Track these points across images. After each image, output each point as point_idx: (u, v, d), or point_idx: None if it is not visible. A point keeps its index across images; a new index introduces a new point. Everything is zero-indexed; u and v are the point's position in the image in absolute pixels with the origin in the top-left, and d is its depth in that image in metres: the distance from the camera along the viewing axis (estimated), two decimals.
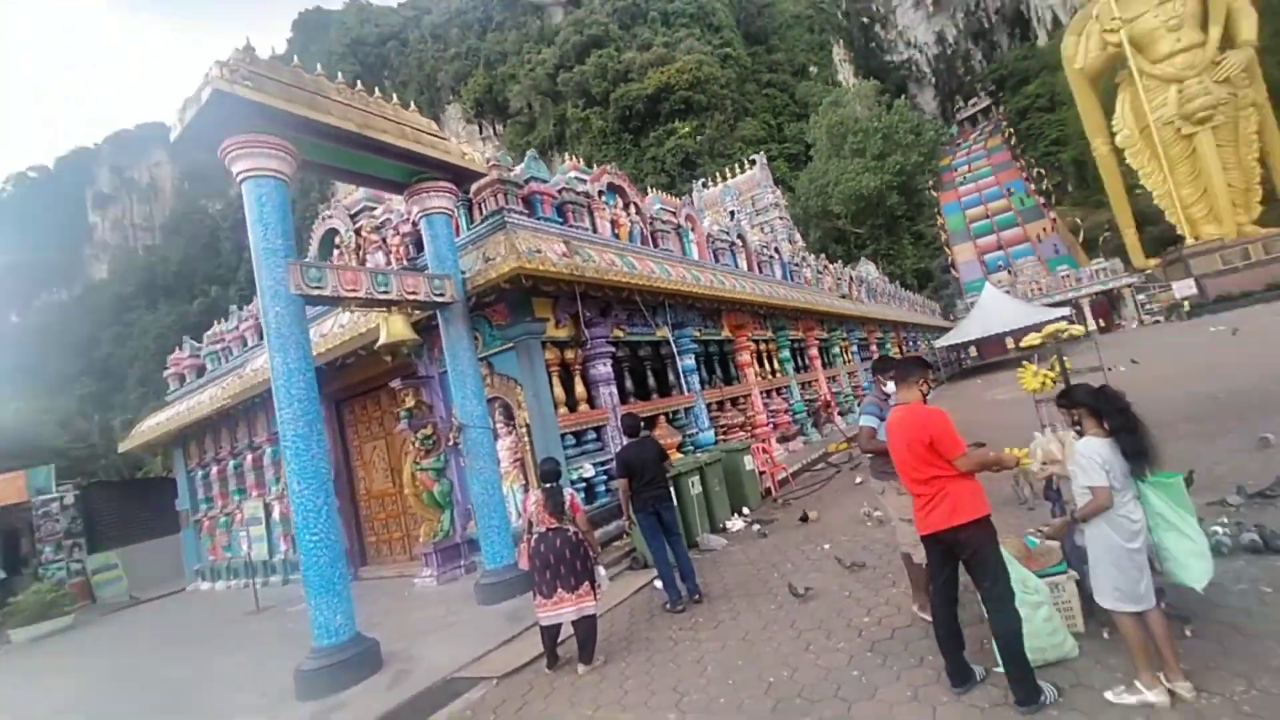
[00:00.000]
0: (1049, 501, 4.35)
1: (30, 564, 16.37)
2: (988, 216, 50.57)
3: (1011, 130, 61.40)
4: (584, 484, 7.73)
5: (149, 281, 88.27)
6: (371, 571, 9.99)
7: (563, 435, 7.72)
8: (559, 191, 8.92)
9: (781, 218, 25.06)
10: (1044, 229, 46.33)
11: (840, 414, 16.10)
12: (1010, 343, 36.54)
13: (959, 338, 26.21)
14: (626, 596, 5.61)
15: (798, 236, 27.59)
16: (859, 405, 4.25)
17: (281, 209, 5.27)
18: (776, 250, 17.12)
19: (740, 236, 14.67)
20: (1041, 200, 49.17)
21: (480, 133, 74.16)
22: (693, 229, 12.54)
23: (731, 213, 20.64)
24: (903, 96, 61.01)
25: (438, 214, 6.85)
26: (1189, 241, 37.86)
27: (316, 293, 5.32)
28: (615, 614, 5.24)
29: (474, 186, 7.98)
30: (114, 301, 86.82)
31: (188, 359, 14.21)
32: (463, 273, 7.06)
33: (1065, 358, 3.25)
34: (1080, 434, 2.95)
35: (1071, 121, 49.74)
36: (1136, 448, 2.69)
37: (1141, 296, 38.27)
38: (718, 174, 31.26)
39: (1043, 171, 52.69)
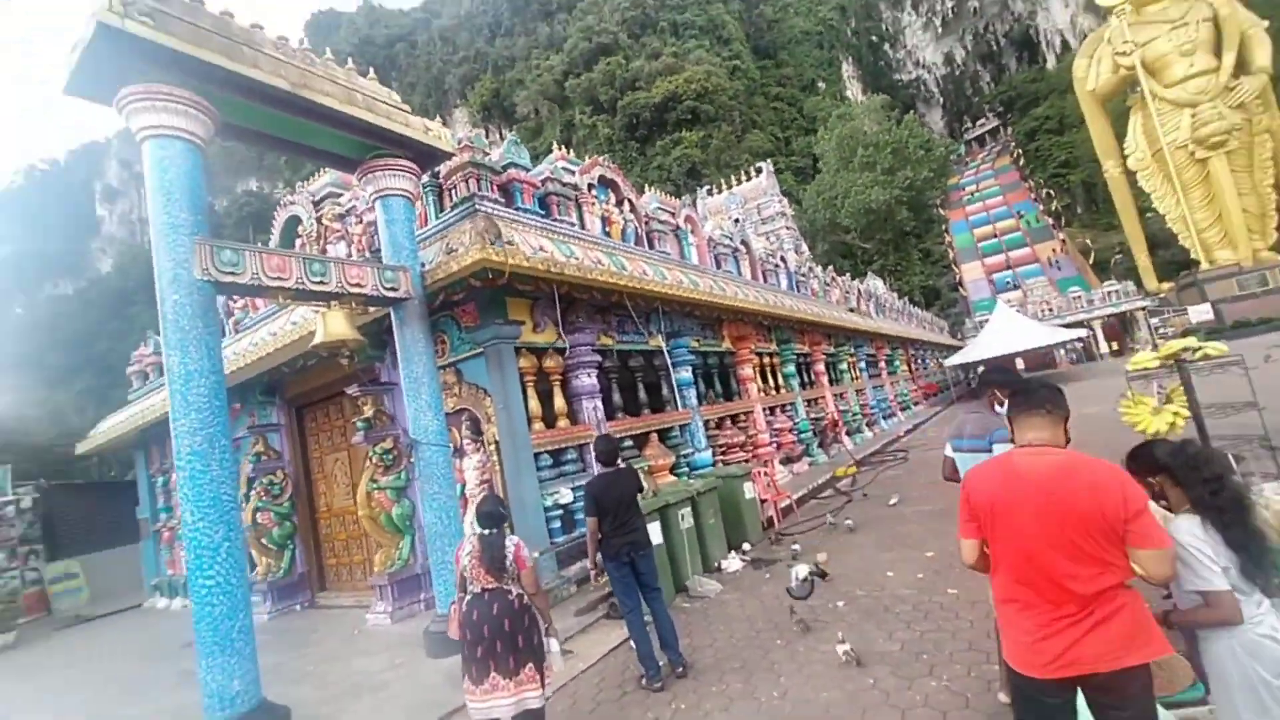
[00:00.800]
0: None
1: None
2: (996, 236, 49.77)
3: (1020, 151, 60.75)
4: (560, 511, 6.76)
5: (151, 277, 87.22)
6: (329, 598, 8.99)
7: (538, 454, 6.77)
8: (543, 181, 8.03)
9: (788, 227, 24.21)
10: (1054, 250, 45.49)
11: (848, 434, 15.11)
12: (1020, 363, 35.72)
13: (972, 356, 25.20)
14: (599, 659, 4.62)
15: (804, 247, 26.73)
16: (955, 435, 3.34)
17: (190, 176, 4.36)
18: (783, 259, 16.23)
19: (744, 242, 13.77)
20: (1051, 221, 48.38)
21: (487, 136, 73.40)
22: (692, 231, 11.65)
23: (735, 219, 19.78)
24: (911, 114, 60.43)
25: (395, 196, 5.95)
26: (1204, 266, 36.83)
27: (230, 279, 4.38)
28: (581, 684, 4.26)
29: (444, 170, 7.10)
30: (117, 296, 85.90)
31: (150, 355, 13.29)
32: (423, 265, 6.14)
33: (1183, 387, 2.28)
34: (1168, 509, 2.07)
35: (1081, 144, 48.99)
36: (1240, 541, 1.80)
37: (1155, 320, 37.28)
38: (722, 182, 30.48)
39: (1052, 193, 51.90)
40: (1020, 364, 36.02)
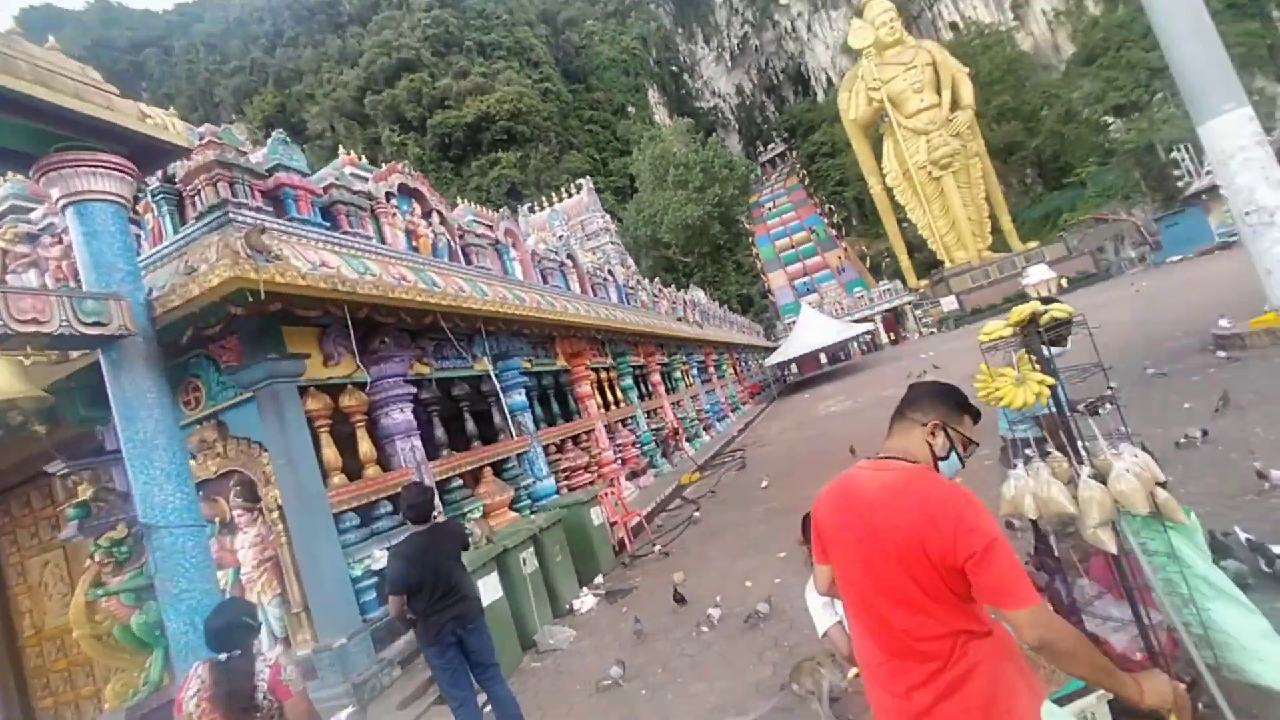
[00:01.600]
0: None
1: None
2: (793, 247, 56.17)
3: (805, 172, 69.52)
4: (374, 579, 5.57)
5: None
6: None
7: (340, 514, 5.53)
8: (325, 189, 6.77)
9: (614, 243, 24.56)
10: (839, 257, 52.56)
11: (688, 440, 15.35)
12: (823, 358, 40.07)
13: (786, 355, 27.64)
14: None
15: (630, 262, 27.32)
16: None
17: None
18: (610, 273, 16.15)
19: (570, 256, 13.38)
20: (834, 232, 55.94)
21: None
22: (514, 245, 10.93)
23: (560, 236, 19.43)
24: (713, 136, 66.02)
25: (97, 201, 4.42)
26: (946, 265, 45.24)
27: None
28: None
29: (181, 172, 5.61)
30: None
31: None
32: (150, 292, 4.68)
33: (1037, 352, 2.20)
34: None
35: (850, 165, 57.48)
36: None
37: (918, 311, 44.52)
38: (544, 200, 30.14)
39: (832, 208, 60.11)
40: (823, 359, 40.55)
